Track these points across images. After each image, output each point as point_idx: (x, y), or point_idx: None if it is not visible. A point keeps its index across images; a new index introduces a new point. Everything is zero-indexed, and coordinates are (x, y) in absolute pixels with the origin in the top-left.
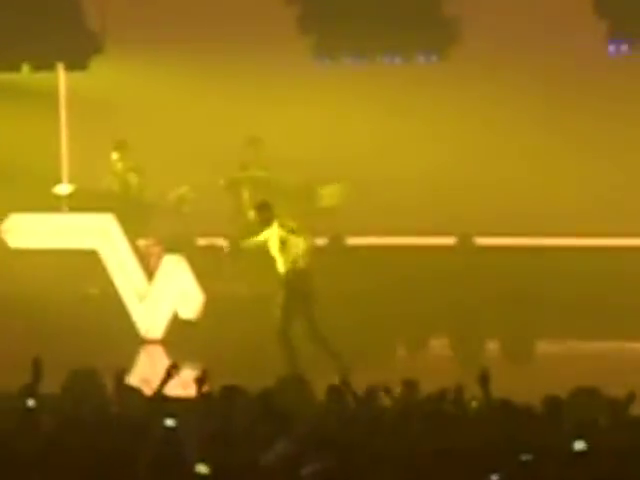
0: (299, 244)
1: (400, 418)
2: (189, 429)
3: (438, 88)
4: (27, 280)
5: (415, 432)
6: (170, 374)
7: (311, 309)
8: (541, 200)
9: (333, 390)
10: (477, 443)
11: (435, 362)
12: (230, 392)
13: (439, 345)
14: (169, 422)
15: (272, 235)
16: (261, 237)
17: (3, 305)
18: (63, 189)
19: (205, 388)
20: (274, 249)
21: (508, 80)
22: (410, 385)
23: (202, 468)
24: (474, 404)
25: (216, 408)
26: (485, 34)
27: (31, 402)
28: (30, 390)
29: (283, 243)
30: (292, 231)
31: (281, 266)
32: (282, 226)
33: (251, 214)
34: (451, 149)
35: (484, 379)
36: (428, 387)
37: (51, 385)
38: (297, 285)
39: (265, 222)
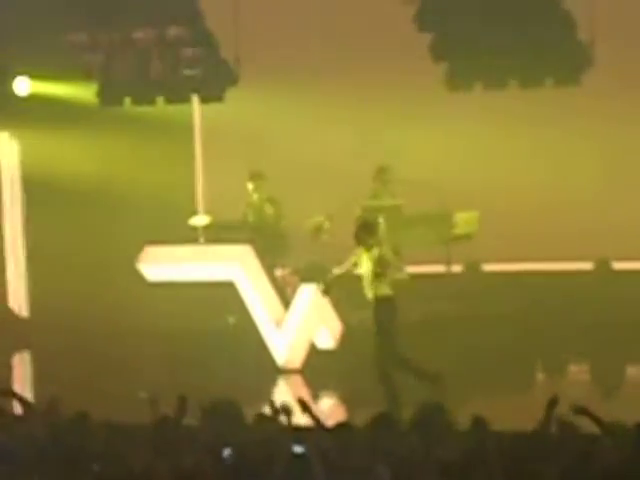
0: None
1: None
2: (320, 458)
3: (574, 114)
4: (165, 313)
5: None
6: (306, 406)
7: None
8: None
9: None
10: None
11: (573, 387)
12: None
13: (578, 370)
14: (297, 449)
15: (365, 259)
16: (353, 259)
17: (143, 338)
18: (199, 221)
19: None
20: (365, 273)
21: None
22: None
23: None
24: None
25: (358, 438)
26: (619, 57)
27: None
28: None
29: (375, 269)
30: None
31: (374, 291)
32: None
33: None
34: (589, 174)
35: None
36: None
37: (191, 415)
38: (383, 311)
39: (361, 243)
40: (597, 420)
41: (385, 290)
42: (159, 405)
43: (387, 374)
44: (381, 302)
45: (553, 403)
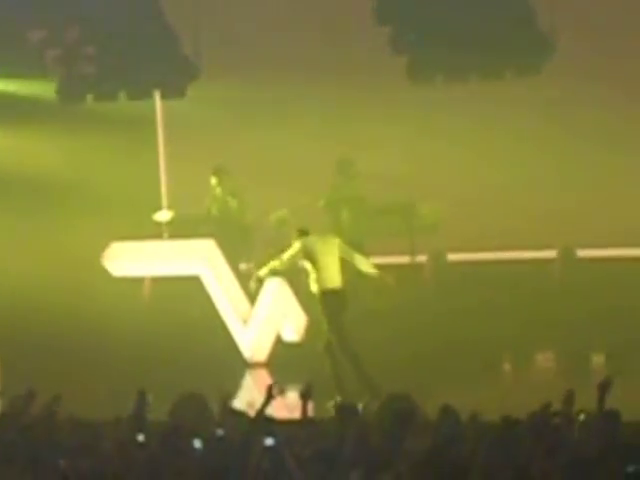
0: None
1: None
2: (291, 449)
3: (533, 105)
4: (130, 308)
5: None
6: (271, 394)
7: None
8: None
9: (443, 409)
10: (584, 454)
11: (540, 376)
12: (343, 411)
13: (544, 359)
14: (269, 441)
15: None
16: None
17: (108, 334)
18: (163, 216)
19: (310, 405)
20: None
21: (606, 93)
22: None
23: None
24: (582, 416)
25: (329, 428)
26: (580, 45)
27: (141, 437)
28: (137, 422)
29: (314, 261)
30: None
31: (315, 285)
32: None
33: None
34: (550, 162)
35: (603, 387)
36: (534, 401)
37: (158, 410)
38: (335, 304)
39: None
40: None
41: (332, 284)
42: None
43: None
44: (328, 295)
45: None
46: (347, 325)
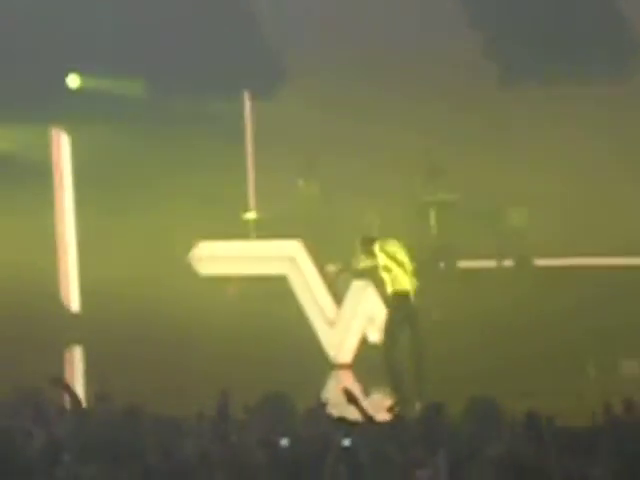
0: (401, 268)
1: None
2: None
3: (620, 114)
4: (217, 307)
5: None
6: (351, 400)
7: (416, 332)
8: None
9: (528, 416)
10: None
11: (626, 383)
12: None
13: (631, 365)
14: (345, 442)
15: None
16: (364, 264)
17: (195, 333)
18: (251, 216)
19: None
20: (380, 271)
21: None
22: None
23: None
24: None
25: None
26: None
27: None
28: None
29: (386, 267)
30: (393, 256)
31: (387, 289)
32: (383, 251)
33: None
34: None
35: None
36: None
37: (244, 408)
38: (400, 308)
39: (368, 254)
40: None
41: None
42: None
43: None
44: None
45: None
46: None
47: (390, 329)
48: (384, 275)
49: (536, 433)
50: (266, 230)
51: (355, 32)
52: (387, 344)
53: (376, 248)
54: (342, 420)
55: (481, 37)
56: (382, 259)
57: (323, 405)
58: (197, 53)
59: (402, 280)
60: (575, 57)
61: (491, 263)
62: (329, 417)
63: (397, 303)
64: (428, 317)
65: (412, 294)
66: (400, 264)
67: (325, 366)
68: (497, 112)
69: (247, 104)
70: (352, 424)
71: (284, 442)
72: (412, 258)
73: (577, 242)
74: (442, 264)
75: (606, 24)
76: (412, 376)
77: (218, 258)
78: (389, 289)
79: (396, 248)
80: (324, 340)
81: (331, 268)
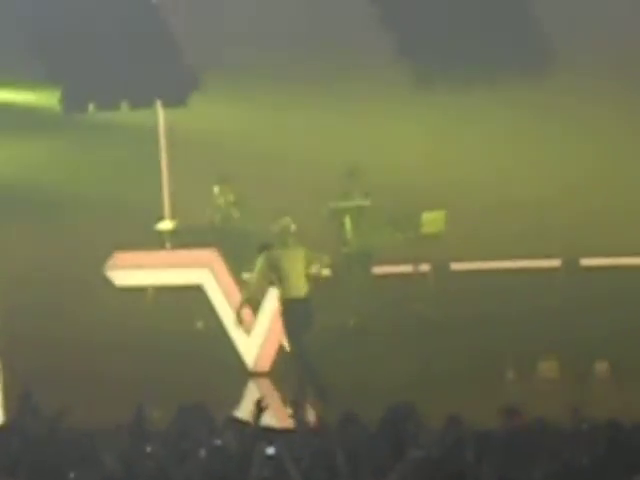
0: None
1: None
2: (293, 458)
3: (540, 114)
4: (133, 317)
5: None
6: (261, 408)
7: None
8: None
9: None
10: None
11: (544, 385)
12: (346, 420)
13: (547, 368)
14: (269, 451)
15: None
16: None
17: (110, 342)
18: (166, 225)
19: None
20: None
21: (618, 97)
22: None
23: None
24: (584, 426)
25: (331, 436)
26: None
27: (148, 448)
28: (137, 432)
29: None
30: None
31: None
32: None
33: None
34: (556, 173)
35: None
36: (538, 410)
37: (160, 418)
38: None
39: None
40: None
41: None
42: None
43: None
44: (291, 304)
45: None
46: (311, 334)
47: (289, 337)
48: (274, 283)
49: (456, 438)
50: (181, 239)
51: (270, 38)
52: (293, 351)
53: (262, 257)
54: (266, 429)
55: (395, 39)
56: (268, 268)
57: (244, 414)
58: (110, 62)
59: (293, 287)
60: (488, 60)
61: (407, 268)
62: (252, 426)
63: (289, 310)
64: (345, 324)
65: (304, 300)
66: (291, 270)
67: (243, 375)
68: (413, 115)
69: (160, 113)
70: (275, 432)
71: (202, 453)
72: (308, 263)
73: (492, 246)
74: (357, 270)
75: (519, 26)
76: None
77: (133, 268)
78: (280, 296)
79: (285, 254)
80: (241, 349)
81: (247, 276)
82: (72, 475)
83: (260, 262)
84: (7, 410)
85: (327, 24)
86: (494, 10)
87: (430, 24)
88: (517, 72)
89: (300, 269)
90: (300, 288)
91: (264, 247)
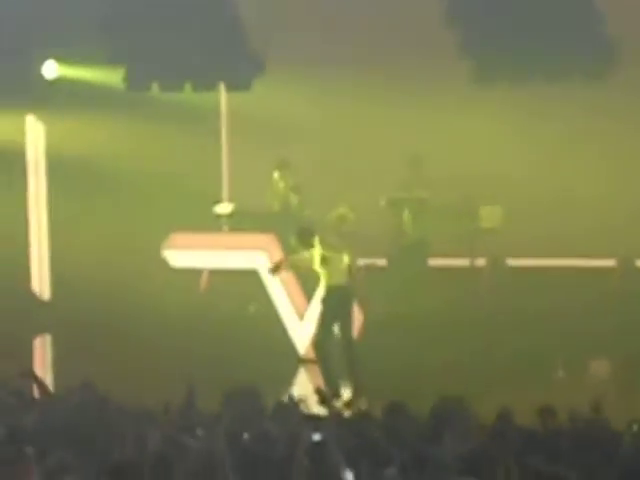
0: (340, 260)
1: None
2: (340, 445)
3: (598, 112)
4: (189, 300)
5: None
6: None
7: (347, 326)
8: None
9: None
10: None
11: (595, 384)
12: (392, 410)
13: (598, 367)
14: (316, 437)
15: (315, 253)
16: (302, 256)
17: (166, 325)
18: (224, 208)
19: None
20: (316, 265)
21: None
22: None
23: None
24: (635, 427)
25: (377, 425)
26: None
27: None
28: (186, 415)
29: (324, 260)
30: (332, 248)
31: (322, 282)
32: (322, 243)
33: (293, 239)
34: (614, 173)
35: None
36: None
37: (211, 403)
38: (335, 301)
39: (306, 246)
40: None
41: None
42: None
43: (322, 352)
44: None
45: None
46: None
47: (324, 323)
48: (320, 269)
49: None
50: (239, 223)
51: (336, 28)
52: (320, 338)
53: (315, 240)
54: (311, 416)
55: (459, 35)
56: (319, 252)
57: (292, 400)
58: (176, 43)
59: (338, 274)
60: (550, 56)
61: (464, 262)
62: (299, 412)
63: (332, 297)
64: (399, 314)
65: (347, 288)
66: (337, 258)
67: (294, 361)
68: (474, 110)
69: (223, 95)
70: (321, 419)
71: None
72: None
73: (549, 242)
74: (413, 261)
75: (582, 22)
76: (346, 371)
77: (189, 249)
78: (325, 283)
79: (334, 241)
80: (293, 335)
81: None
82: (118, 452)
83: (312, 241)
84: (57, 385)
85: (394, 17)
86: (556, 6)
87: (493, 20)
88: (578, 69)
89: (344, 258)
90: (345, 276)
91: (310, 230)
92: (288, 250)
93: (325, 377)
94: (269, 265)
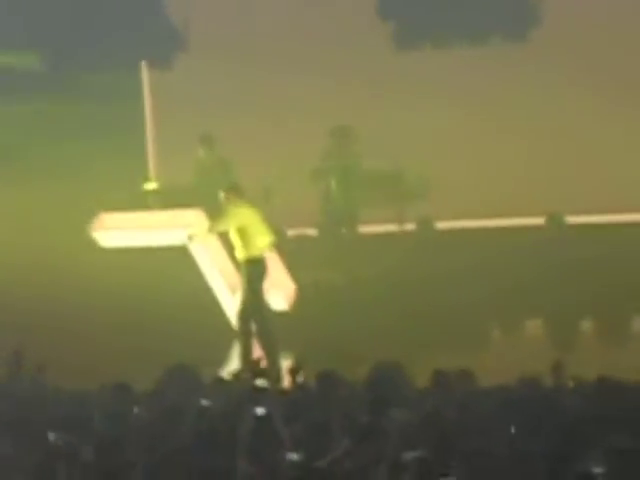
0: (259, 232)
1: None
2: (282, 418)
3: (519, 74)
4: (121, 279)
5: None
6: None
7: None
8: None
9: (435, 374)
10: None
11: (530, 343)
12: (327, 379)
13: (533, 326)
14: (259, 411)
15: (237, 219)
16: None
17: (96, 304)
18: (151, 186)
19: (299, 377)
20: (233, 234)
21: (592, 63)
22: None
23: (294, 456)
24: (571, 384)
25: (313, 396)
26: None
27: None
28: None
29: (241, 230)
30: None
31: (239, 252)
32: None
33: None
34: (533, 131)
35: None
36: (523, 368)
37: (147, 381)
38: (254, 272)
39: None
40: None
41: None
42: None
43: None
44: (251, 263)
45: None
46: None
47: (251, 293)
48: (237, 237)
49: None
50: (167, 200)
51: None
52: (245, 309)
53: (242, 200)
54: (254, 389)
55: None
56: (239, 220)
57: (233, 374)
58: (95, 24)
59: (258, 243)
60: (470, 18)
61: (393, 227)
62: (241, 386)
63: (255, 267)
64: (330, 281)
65: (264, 261)
66: (257, 226)
67: (230, 334)
68: (395, 73)
69: (145, 74)
70: (263, 392)
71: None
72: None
73: (475, 204)
74: (343, 229)
75: None
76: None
77: (119, 229)
78: (244, 252)
79: (252, 209)
80: (228, 308)
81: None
82: (58, 435)
83: (232, 214)
84: None
85: None
86: None
87: None
88: (499, 32)
89: (260, 228)
90: (259, 248)
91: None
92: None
93: (264, 350)
94: (188, 232)
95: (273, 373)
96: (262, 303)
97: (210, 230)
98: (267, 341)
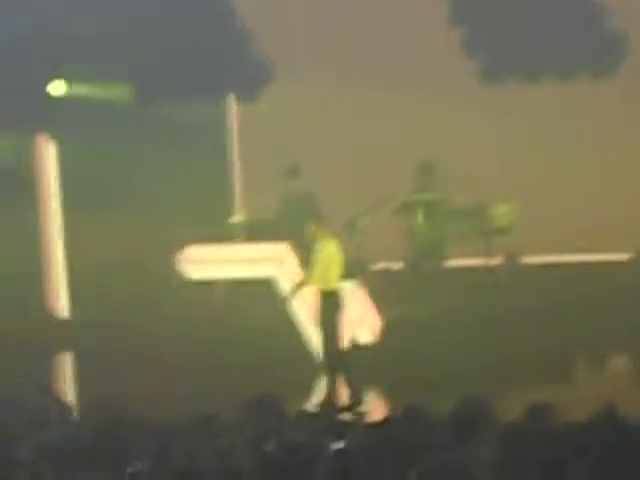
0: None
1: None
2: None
3: (606, 108)
4: (206, 311)
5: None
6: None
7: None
8: None
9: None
10: None
11: (614, 379)
12: (413, 413)
13: (619, 363)
14: (338, 445)
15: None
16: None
17: (185, 337)
18: (238, 219)
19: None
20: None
21: None
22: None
23: None
24: None
25: (397, 430)
26: None
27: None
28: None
29: (324, 263)
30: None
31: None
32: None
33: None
34: (622, 168)
35: None
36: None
37: (230, 412)
38: (329, 305)
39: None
40: None
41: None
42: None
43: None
44: (327, 295)
45: None
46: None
47: (328, 326)
48: (316, 271)
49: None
50: (253, 233)
51: (338, 33)
52: (329, 344)
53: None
54: (334, 423)
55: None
56: (324, 255)
57: (314, 408)
58: (183, 57)
59: (334, 276)
60: (558, 54)
61: (479, 261)
62: (321, 420)
63: (331, 300)
64: (416, 315)
65: (339, 294)
66: (336, 259)
67: (314, 368)
68: (483, 109)
69: (232, 107)
70: (344, 426)
71: (271, 446)
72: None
73: (563, 239)
74: (428, 262)
75: (588, 18)
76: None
77: (205, 261)
78: (320, 284)
79: (334, 246)
80: (313, 342)
81: None
82: (139, 466)
83: (325, 250)
84: (81, 401)
85: (400, 18)
86: (563, 6)
87: (499, 18)
88: (587, 68)
89: (338, 261)
90: (336, 281)
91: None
92: (302, 258)
93: (347, 384)
94: (286, 292)
95: (355, 406)
96: (338, 336)
97: (306, 283)
98: (345, 374)
